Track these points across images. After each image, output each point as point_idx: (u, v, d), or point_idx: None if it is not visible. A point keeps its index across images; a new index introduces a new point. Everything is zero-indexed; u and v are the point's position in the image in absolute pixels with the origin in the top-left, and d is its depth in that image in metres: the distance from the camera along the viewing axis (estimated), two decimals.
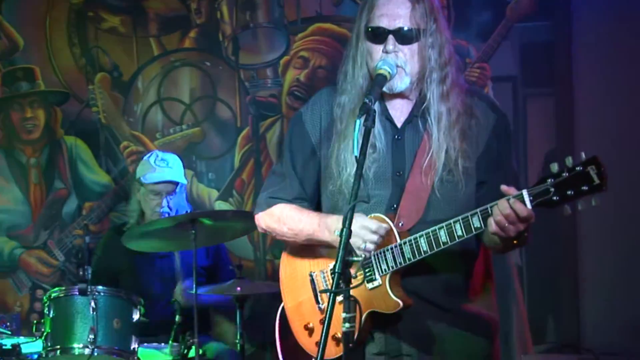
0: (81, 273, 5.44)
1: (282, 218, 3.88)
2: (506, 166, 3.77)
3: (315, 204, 3.93)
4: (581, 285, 6.61)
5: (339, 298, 3.40)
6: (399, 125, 3.79)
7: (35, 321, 5.51)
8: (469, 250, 3.76)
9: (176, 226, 5.55)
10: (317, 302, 3.83)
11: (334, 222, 3.67)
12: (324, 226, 3.74)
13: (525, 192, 3.40)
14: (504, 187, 3.44)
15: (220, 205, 7.08)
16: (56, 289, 5.56)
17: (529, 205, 3.39)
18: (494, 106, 3.83)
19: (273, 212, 3.91)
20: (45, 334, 5.38)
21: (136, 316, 5.46)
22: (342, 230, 3.31)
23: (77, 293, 5.38)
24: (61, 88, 7.23)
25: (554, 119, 6.75)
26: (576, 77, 6.66)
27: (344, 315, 3.35)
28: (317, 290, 3.83)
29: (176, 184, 6.17)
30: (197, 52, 7.20)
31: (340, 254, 3.30)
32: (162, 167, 6.16)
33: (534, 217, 3.43)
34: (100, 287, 5.43)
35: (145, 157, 6.30)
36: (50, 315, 5.40)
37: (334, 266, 3.30)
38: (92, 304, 5.34)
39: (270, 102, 7.10)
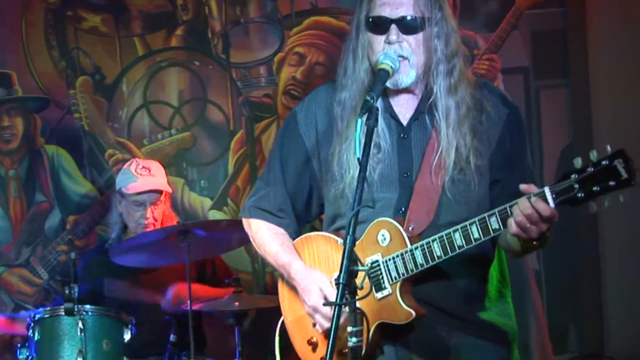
0: (67, 291, 5.42)
1: (257, 240, 3.99)
2: (521, 163, 3.76)
3: (309, 213, 3.96)
4: (604, 289, 6.61)
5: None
6: (404, 122, 3.78)
7: (19, 345, 5.50)
8: (484, 254, 3.75)
9: (167, 238, 5.54)
10: None
11: (303, 276, 3.78)
12: (293, 276, 3.83)
13: (547, 190, 3.38)
14: (523, 186, 3.42)
15: (215, 215, 7.07)
16: (40, 309, 5.54)
17: (551, 204, 3.37)
18: (505, 99, 3.83)
19: (251, 227, 4.02)
20: (30, 358, 5.36)
21: (127, 336, 5.45)
22: (346, 238, 3.31)
23: (63, 313, 5.37)
24: (40, 94, 7.22)
25: (569, 112, 6.75)
26: (592, 66, 6.66)
27: (350, 329, 3.34)
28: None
29: (161, 192, 6.15)
30: (185, 51, 7.20)
31: (344, 264, 3.29)
32: (145, 176, 6.14)
33: (557, 216, 3.41)
34: (87, 306, 5.41)
35: (124, 167, 6.27)
36: (35, 338, 5.38)
37: (338, 277, 3.29)
38: (80, 324, 5.33)
39: (264, 102, 7.10)
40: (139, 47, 7.21)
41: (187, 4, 7.15)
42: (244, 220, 4.05)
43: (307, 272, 3.79)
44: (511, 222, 3.42)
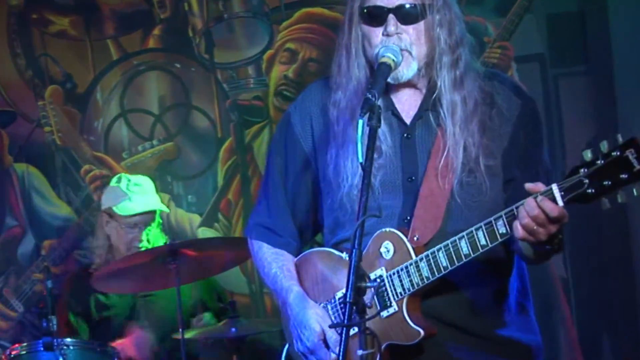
0: (45, 324, 5.44)
1: (257, 261, 4.00)
2: (536, 160, 3.76)
3: (315, 221, 3.96)
4: (639, 295, 6.61)
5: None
6: (407, 121, 3.79)
7: None
8: (500, 263, 3.75)
9: (154, 260, 5.54)
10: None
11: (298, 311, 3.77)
12: (290, 304, 3.81)
13: (555, 187, 3.36)
14: (529, 185, 3.40)
15: (205, 233, 7.08)
16: (17, 345, 5.55)
17: (560, 203, 3.36)
18: (518, 91, 3.84)
19: (253, 246, 4.02)
20: None
21: None
22: (351, 252, 3.31)
23: (42, 349, 5.38)
24: (6, 107, 7.24)
25: (591, 101, 6.75)
26: (615, 50, 6.66)
27: (360, 352, 3.35)
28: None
29: (155, 212, 6.16)
30: (164, 53, 7.22)
31: (350, 280, 3.29)
32: (138, 194, 6.13)
33: (567, 216, 3.40)
34: (68, 340, 5.44)
35: (112, 183, 6.26)
36: None
37: (345, 295, 3.29)
38: None
39: (254, 105, 7.11)
40: (113, 50, 7.23)
41: (164, 1, 7.16)
42: (249, 241, 4.06)
43: (305, 304, 3.78)
44: (516, 225, 3.41)
